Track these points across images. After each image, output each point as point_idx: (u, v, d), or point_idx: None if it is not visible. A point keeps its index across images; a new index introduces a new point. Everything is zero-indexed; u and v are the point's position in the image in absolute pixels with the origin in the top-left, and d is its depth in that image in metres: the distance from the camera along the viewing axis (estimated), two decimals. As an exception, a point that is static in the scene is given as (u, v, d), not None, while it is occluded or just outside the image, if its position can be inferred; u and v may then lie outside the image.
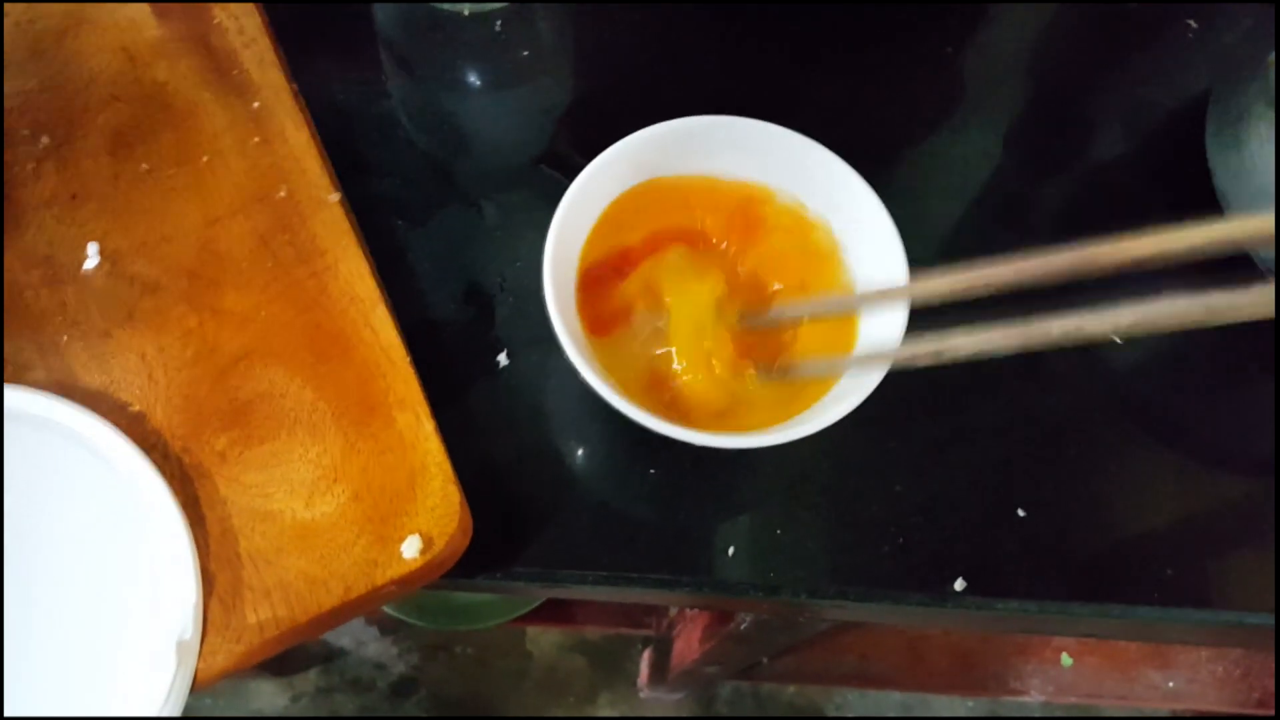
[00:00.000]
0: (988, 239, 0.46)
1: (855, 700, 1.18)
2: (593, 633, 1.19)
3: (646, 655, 1.12)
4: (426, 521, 0.36)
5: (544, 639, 1.20)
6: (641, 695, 1.17)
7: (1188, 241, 0.26)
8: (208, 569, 0.35)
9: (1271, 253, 0.40)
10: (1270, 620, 0.39)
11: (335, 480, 0.36)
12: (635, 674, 1.17)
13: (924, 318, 0.34)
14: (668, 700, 1.17)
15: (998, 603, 0.39)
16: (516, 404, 0.41)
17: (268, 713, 1.14)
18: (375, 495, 0.36)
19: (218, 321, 0.39)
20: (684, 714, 1.17)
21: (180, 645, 0.33)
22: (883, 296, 0.37)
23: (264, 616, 0.35)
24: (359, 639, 1.19)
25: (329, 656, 1.18)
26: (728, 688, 1.18)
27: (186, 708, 0.34)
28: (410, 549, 0.35)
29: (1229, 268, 0.26)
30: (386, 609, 0.98)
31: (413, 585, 0.36)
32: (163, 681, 0.33)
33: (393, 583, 0.35)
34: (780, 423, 0.36)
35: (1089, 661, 0.98)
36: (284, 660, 1.14)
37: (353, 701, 1.16)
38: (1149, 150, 0.49)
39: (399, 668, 1.18)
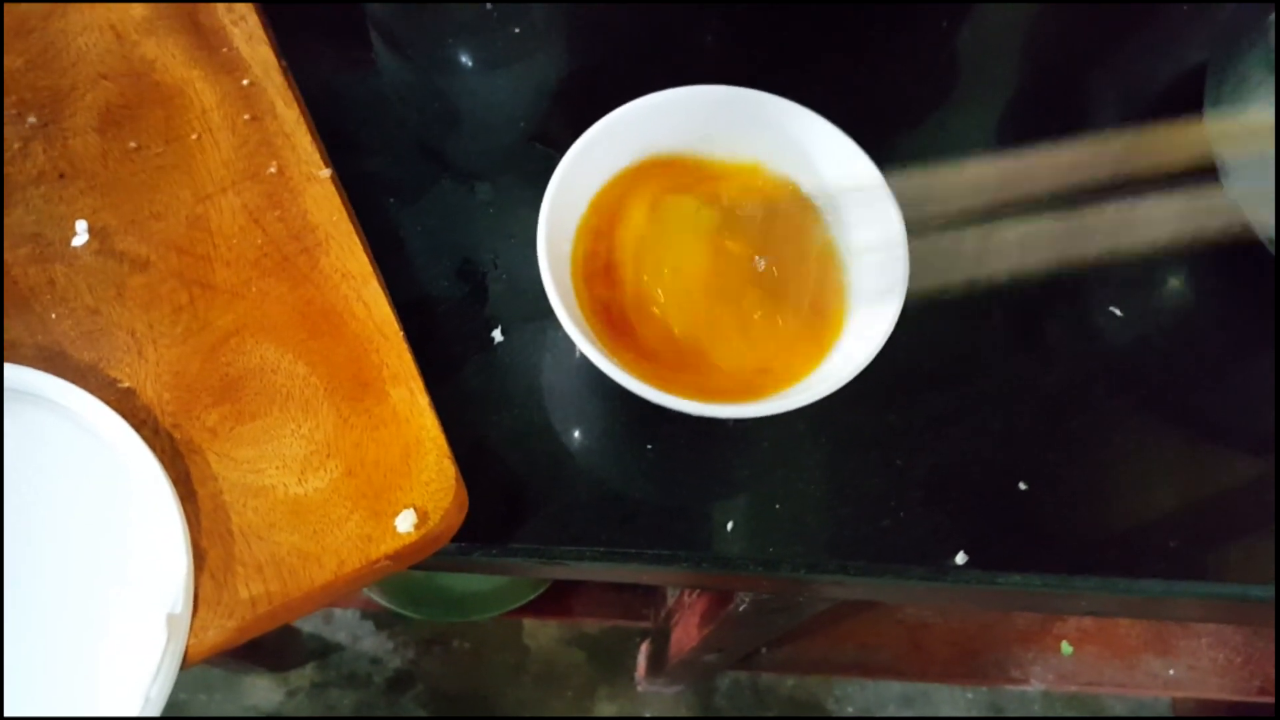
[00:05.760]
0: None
1: (855, 693, 1.18)
2: (591, 626, 1.18)
3: (644, 647, 1.11)
4: (421, 496, 0.35)
5: (541, 632, 1.19)
6: (639, 688, 1.16)
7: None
8: (199, 544, 0.35)
9: (1272, 231, 0.40)
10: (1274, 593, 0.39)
11: (328, 455, 0.36)
12: (633, 668, 1.16)
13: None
14: (666, 694, 1.16)
15: (1000, 576, 0.39)
16: (512, 381, 0.41)
17: (263, 708, 1.13)
18: (369, 470, 0.36)
19: (208, 298, 0.38)
20: (682, 708, 1.17)
21: (170, 619, 0.33)
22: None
23: (256, 591, 0.34)
24: (355, 633, 1.18)
25: (324, 651, 1.17)
26: (726, 680, 1.17)
27: (180, 704, 0.33)
28: (405, 523, 0.35)
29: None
30: (381, 601, 0.98)
31: (407, 560, 0.35)
32: (153, 654, 0.32)
33: (387, 557, 0.35)
34: (779, 392, 0.36)
35: (1089, 649, 0.97)
36: (279, 655, 1.13)
37: (349, 696, 1.16)
38: (1147, 122, 0.49)
39: (395, 662, 1.17)
